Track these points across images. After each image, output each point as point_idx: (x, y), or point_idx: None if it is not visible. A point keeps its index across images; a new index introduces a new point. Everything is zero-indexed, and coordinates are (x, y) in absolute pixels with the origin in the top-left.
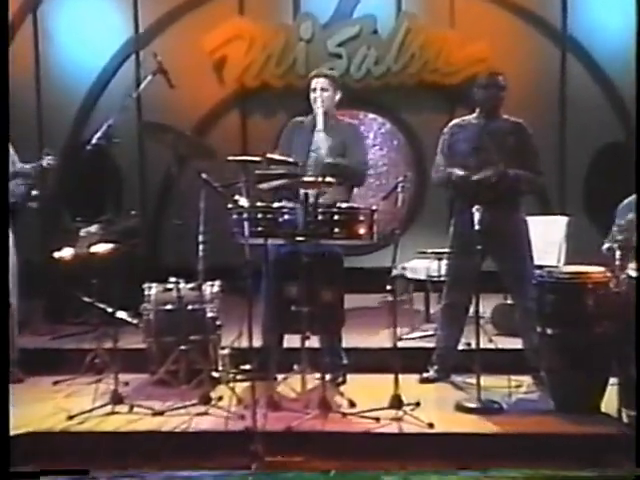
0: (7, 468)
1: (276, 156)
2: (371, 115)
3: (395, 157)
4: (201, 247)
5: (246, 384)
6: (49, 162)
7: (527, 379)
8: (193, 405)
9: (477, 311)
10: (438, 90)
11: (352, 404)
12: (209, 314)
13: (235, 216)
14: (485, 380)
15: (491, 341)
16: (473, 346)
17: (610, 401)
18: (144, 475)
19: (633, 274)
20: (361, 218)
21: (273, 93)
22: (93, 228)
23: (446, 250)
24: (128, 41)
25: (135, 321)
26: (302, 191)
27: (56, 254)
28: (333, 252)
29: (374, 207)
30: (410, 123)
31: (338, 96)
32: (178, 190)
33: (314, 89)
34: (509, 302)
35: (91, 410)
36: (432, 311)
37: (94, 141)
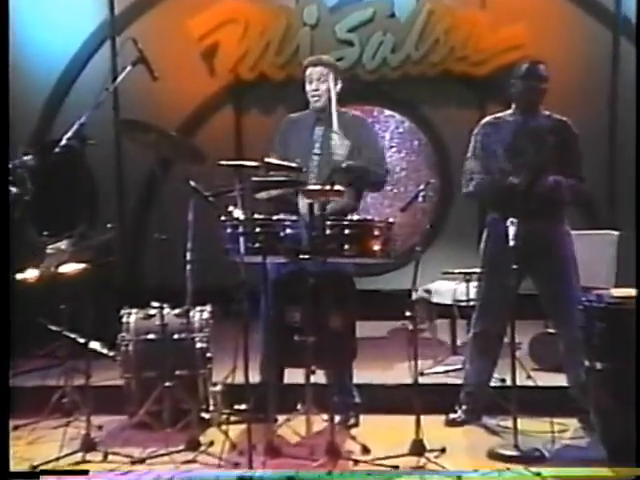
0: (7, 468)
1: (276, 160)
2: (387, 112)
3: (416, 160)
4: (189, 266)
5: (241, 426)
6: (28, 163)
7: (573, 422)
8: (179, 451)
9: (513, 341)
10: (466, 82)
11: (366, 450)
12: (198, 345)
13: (229, 230)
14: (523, 423)
15: (529, 377)
16: (508, 383)
17: None
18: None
19: None
20: (376, 232)
21: (272, 86)
22: (62, 244)
23: (476, 270)
24: (102, 24)
25: (111, 353)
26: (306, 201)
27: (18, 275)
28: (343, 272)
29: (391, 219)
30: (433, 121)
31: (339, 86)
32: (162, 199)
33: (310, 80)
34: (550, 331)
35: (58, 459)
36: (459, 341)
37: (64, 142)
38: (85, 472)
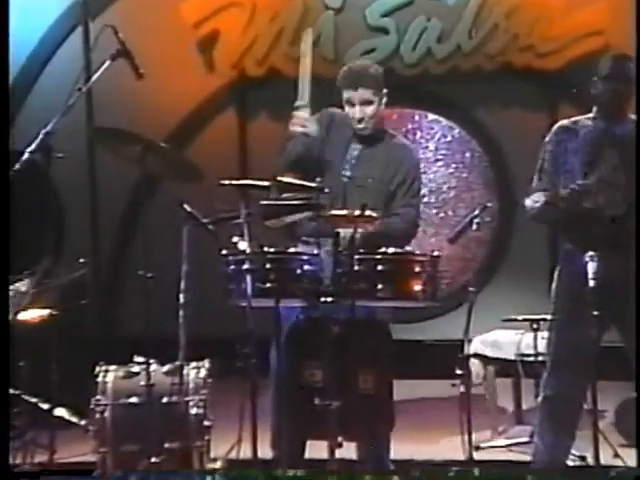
0: (7, 468)
1: (291, 179)
2: (431, 115)
3: (468, 177)
4: (182, 311)
5: None
6: None
7: None
8: None
9: (595, 408)
10: (532, 78)
11: None
12: (193, 410)
13: (232, 266)
14: None
15: (617, 455)
16: (590, 461)
17: None
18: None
19: None
20: (417, 269)
21: (286, 84)
22: (22, 284)
23: (546, 316)
24: (73, 6)
25: (82, 422)
26: (330, 230)
27: None
28: (376, 319)
29: (436, 252)
30: (490, 127)
31: (384, 100)
32: (148, 227)
33: (350, 103)
34: None
35: None
36: (526, 407)
37: (26, 155)
38: (86, 472)
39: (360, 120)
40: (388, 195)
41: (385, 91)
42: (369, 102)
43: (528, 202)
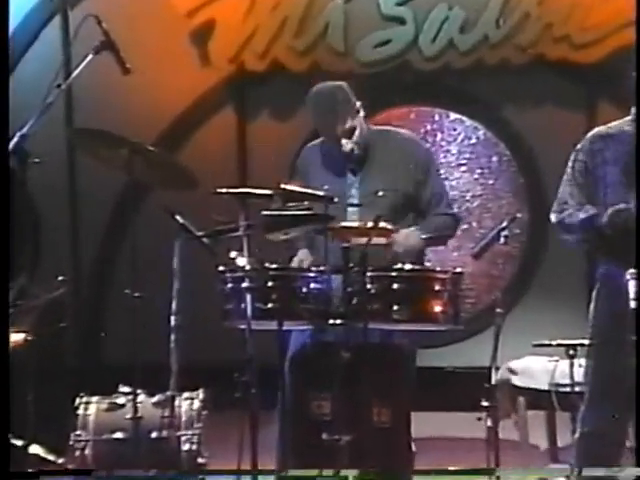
0: (7, 468)
1: (296, 187)
2: (453, 115)
3: (495, 185)
4: (173, 335)
5: None
6: None
7: None
8: None
9: (639, 447)
10: (568, 72)
11: None
12: (186, 446)
13: (230, 284)
14: None
15: None
16: None
17: None
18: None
19: None
20: (437, 287)
21: (290, 80)
22: None
23: (584, 341)
24: None
25: (60, 460)
26: (339, 244)
27: None
28: (391, 343)
29: (459, 269)
30: (520, 128)
31: (361, 109)
32: (135, 241)
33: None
34: None
35: None
36: (561, 444)
37: None
38: (86, 472)
39: (352, 151)
40: (405, 198)
41: (358, 103)
42: (350, 128)
43: (562, 218)
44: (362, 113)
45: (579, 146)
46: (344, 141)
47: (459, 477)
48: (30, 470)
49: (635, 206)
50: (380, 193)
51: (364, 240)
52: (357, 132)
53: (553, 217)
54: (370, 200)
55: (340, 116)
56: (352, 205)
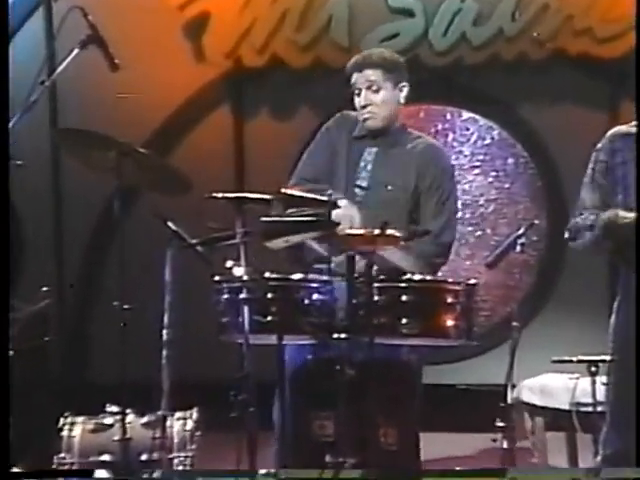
0: (7, 468)
1: (297, 191)
2: (466, 114)
3: (511, 188)
4: (165, 351)
5: None
6: None
7: None
8: None
9: (639, 446)
10: (590, 68)
11: None
12: (179, 468)
13: (226, 296)
14: None
15: None
16: None
17: None
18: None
19: None
20: (449, 299)
21: (291, 77)
22: None
23: (606, 357)
24: None
25: None
26: (344, 252)
27: None
28: (399, 360)
29: (472, 279)
30: (538, 128)
31: (404, 92)
32: (124, 249)
33: (357, 90)
34: None
35: None
36: (583, 466)
37: None
38: (86, 472)
39: (364, 107)
40: (413, 206)
41: (404, 82)
42: (377, 86)
43: (578, 222)
44: (404, 92)
45: (599, 145)
46: (363, 102)
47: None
48: (30, 470)
49: (635, 208)
50: (389, 187)
51: (370, 248)
52: (382, 96)
53: (572, 226)
54: (377, 190)
55: (372, 66)
56: (360, 187)
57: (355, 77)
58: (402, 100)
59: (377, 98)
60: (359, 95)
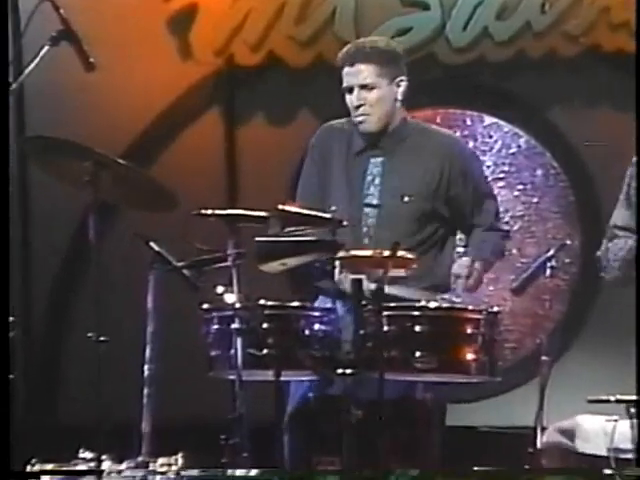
0: (7, 468)
1: (297, 208)
2: (488, 119)
3: (540, 204)
4: (147, 389)
5: None
6: None
7: None
8: None
9: (639, 447)
10: (628, 66)
11: None
12: None
13: (216, 326)
14: None
15: None
16: None
17: None
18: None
19: None
20: (469, 330)
21: (289, 76)
22: None
23: None
24: None
25: None
26: (350, 276)
27: None
28: (413, 398)
29: (495, 308)
30: (570, 135)
31: (402, 88)
32: (100, 273)
33: (348, 87)
34: None
35: None
36: None
37: None
38: (86, 472)
39: (358, 107)
40: (440, 212)
41: (401, 77)
42: (371, 84)
43: (609, 249)
44: (402, 88)
45: (635, 159)
46: (355, 103)
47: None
48: (30, 470)
49: (636, 211)
50: (406, 199)
51: (379, 272)
52: (376, 94)
53: (603, 251)
54: (393, 205)
55: (364, 60)
56: (370, 206)
57: (346, 71)
58: (400, 97)
59: (371, 97)
60: (351, 93)
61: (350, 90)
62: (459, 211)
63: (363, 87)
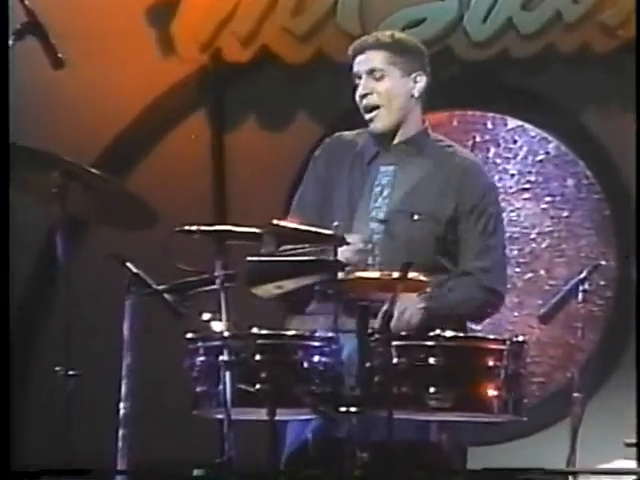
0: (7, 468)
1: (293, 224)
2: (512, 122)
3: (571, 218)
4: (122, 430)
5: None
6: None
7: None
8: None
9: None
10: None
11: None
12: None
13: (202, 357)
14: None
15: None
16: None
17: None
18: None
19: None
20: (490, 362)
21: (285, 74)
22: None
23: None
24: None
25: None
26: (354, 301)
27: None
28: (427, 440)
29: (521, 337)
30: (606, 141)
31: (421, 83)
32: (70, 297)
33: (357, 77)
34: None
35: None
36: None
37: None
38: (86, 472)
39: (363, 96)
40: (449, 240)
41: (419, 71)
42: (380, 72)
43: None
44: (422, 83)
45: None
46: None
47: None
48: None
49: (635, 211)
50: (416, 217)
51: (388, 296)
52: (387, 85)
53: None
54: (401, 222)
55: (375, 47)
56: (376, 221)
57: (357, 60)
58: (416, 94)
59: (380, 86)
60: (359, 85)
61: (359, 79)
62: (462, 241)
63: (371, 73)
